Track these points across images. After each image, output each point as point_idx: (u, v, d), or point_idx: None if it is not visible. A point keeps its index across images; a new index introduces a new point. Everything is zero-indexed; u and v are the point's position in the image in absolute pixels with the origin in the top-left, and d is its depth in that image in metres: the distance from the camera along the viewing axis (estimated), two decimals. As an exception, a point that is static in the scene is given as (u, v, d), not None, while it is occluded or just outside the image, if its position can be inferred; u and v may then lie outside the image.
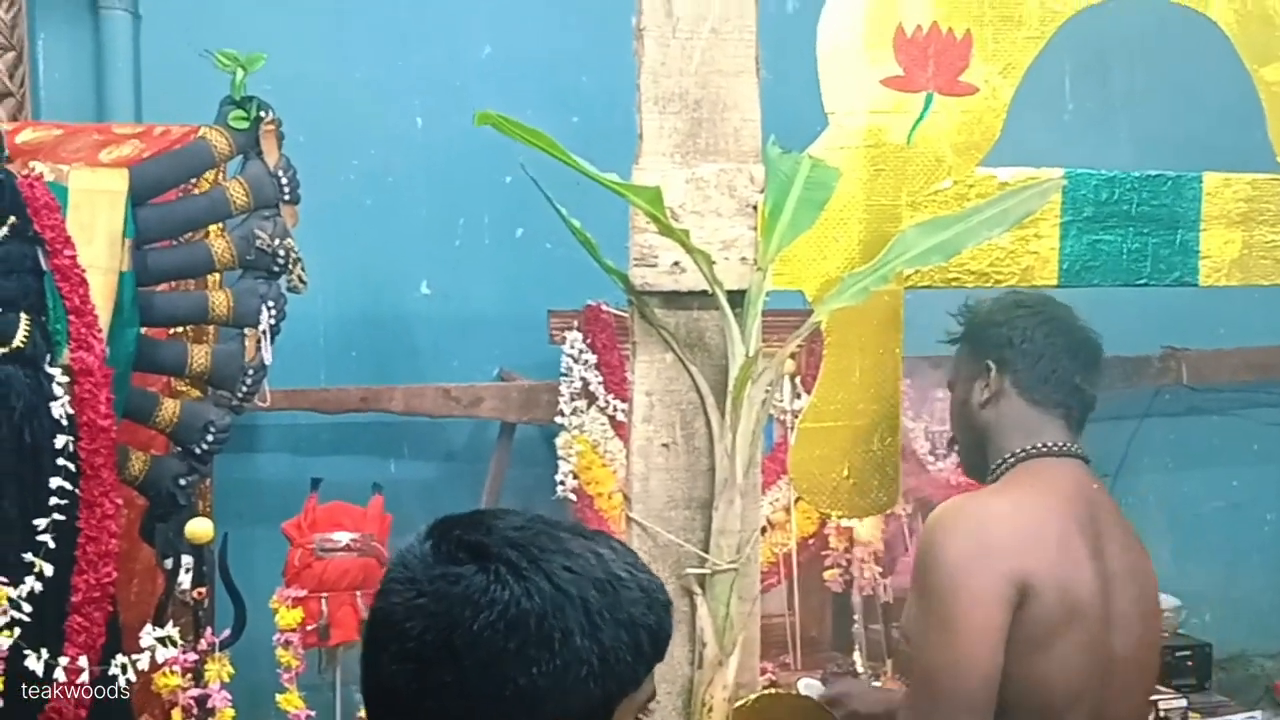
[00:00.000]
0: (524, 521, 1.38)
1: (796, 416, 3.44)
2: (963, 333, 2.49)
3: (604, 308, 3.55)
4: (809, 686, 3.21)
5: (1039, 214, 2.36)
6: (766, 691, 2.34)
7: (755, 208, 2.21)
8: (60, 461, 2.58)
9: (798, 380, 3.72)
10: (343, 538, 2.92)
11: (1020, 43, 2.33)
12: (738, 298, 2.17)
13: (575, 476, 3.53)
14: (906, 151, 2.32)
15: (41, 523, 2.56)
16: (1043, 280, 2.41)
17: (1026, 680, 2.24)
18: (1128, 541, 2.40)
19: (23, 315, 2.59)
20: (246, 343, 2.94)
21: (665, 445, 2.28)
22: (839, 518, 2.78)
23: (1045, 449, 2.39)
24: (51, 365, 2.61)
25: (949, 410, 2.54)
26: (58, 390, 2.60)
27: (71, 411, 2.61)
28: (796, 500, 3.68)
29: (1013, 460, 2.38)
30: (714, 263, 2.14)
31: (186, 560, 2.80)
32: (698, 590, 2.24)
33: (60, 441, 2.58)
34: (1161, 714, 3.61)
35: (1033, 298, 2.43)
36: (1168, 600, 3.94)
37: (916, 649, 2.29)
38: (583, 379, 3.55)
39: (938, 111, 2.31)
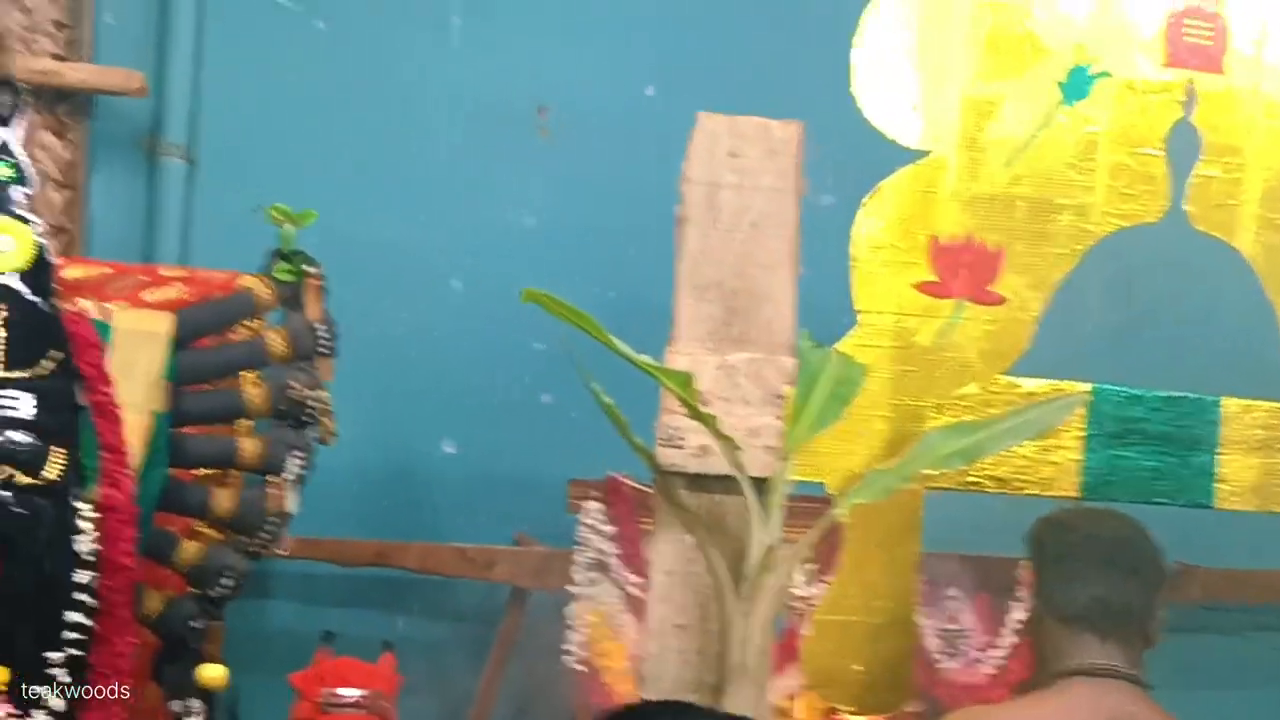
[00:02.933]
0: (677, 710, 1.39)
1: (808, 603, 3.43)
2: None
3: (625, 480, 3.57)
4: None
5: (1063, 425, 2.40)
6: None
7: (783, 398, 2.26)
8: (80, 596, 2.58)
9: (812, 568, 3.71)
10: (351, 694, 2.91)
11: (1051, 258, 2.40)
12: (760, 485, 2.21)
13: (585, 647, 3.51)
14: (934, 355, 2.37)
15: (55, 656, 2.56)
16: (1062, 491, 2.44)
17: None
18: None
19: (57, 449, 2.62)
20: (271, 490, 2.96)
21: (680, 626, 2.29)
22: (849, 714, 2.77)
23: (1078, 669, 2.37)
24: (79, 500, 2.64)
25: None
26: (84, 525, 2.62)
27: (97, 547, 2.62)
28: (805, 686, 3.65)
29: (1046, 679, 2.38)
30: (739, 449, 2.18)
31: (195, 705, 2.79)
32: (703, 777, 2.23)
33: (82, 576, 2.59)
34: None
35: (1076, 514, 2.43)
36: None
37: None
38: (599, 550, 3.55)
39: (967, 318, 2.37)
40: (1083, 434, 2.42)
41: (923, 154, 2.49)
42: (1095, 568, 2.38)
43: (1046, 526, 2.41)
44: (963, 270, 2.36)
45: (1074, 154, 2.46)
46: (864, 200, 2.42)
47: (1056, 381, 2.42)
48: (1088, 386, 2.42)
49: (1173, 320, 4.02)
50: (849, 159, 2.66)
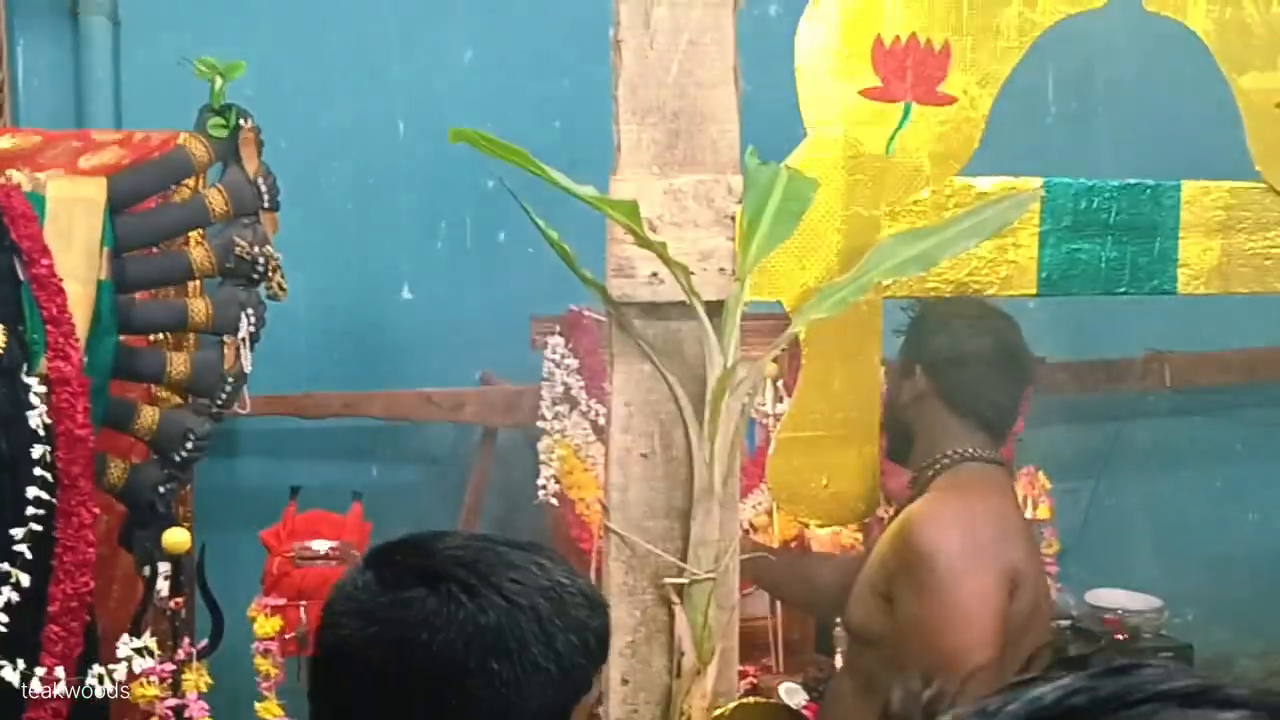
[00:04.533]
0: (463, 540, 1.41)
1: (779, 420, 3.44)
2: (906, 331, 2.54)
3: (586, 313, 3.54)
4: (790, 692, 3.22)
5: (1018, 223, 2.37)
6: (744, 700, 2.34)
7: (733, 219, 2.21)
8: (37, 471, 2.57)
9: (780, 384, 3.71)
10: (321, 546, 2.91)
11: (999, 53, 2.34)
12: (716, 308, 2.18)
13: (557, 481, 3.52)
14: (885, 162, 2.32)
15: (18, 533, 2.55)
16: (1021, 289, 2.42)
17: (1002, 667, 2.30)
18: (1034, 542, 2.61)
19: (0, 326, 2.58)
20: (226, 350, 2.92)
21: (644, 455, 2.28)
22: (818, 527, 2.79)
23: (974, 455, 2.49)
24: (28, 375, 2.60)
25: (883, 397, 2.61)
26: (35, 400, 2.59)
27: (49, 421, 2.59)
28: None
29: (946, 462, 2.48)
30: (692, 274, 2.14)
31: (164, 569, 2.79)
32: (676, 599, 2.25)
33: (37, 451, 2.57)
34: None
35: (972, 307, 2.48)
36: (1150, 601, 3.96)
37: (915, 645, 2.33)
38: (564, 384, 3.54)
39: (916, 122, 2.32)
40: (1038, 229, 2.39)
41: (862, -45, 2.41)
42: (993, 366, 2.49)
43: (939, 316, 2.50)
44: (909, 72, 2.29)
45: (1018, -57, 2.38)
46: (805, 8, 2.34)
47: (1010, 179, 2.38)
48: (1040, 181, 2.38)
49: (1129, 106, 3.98)
50: (789, -35, 2.58)
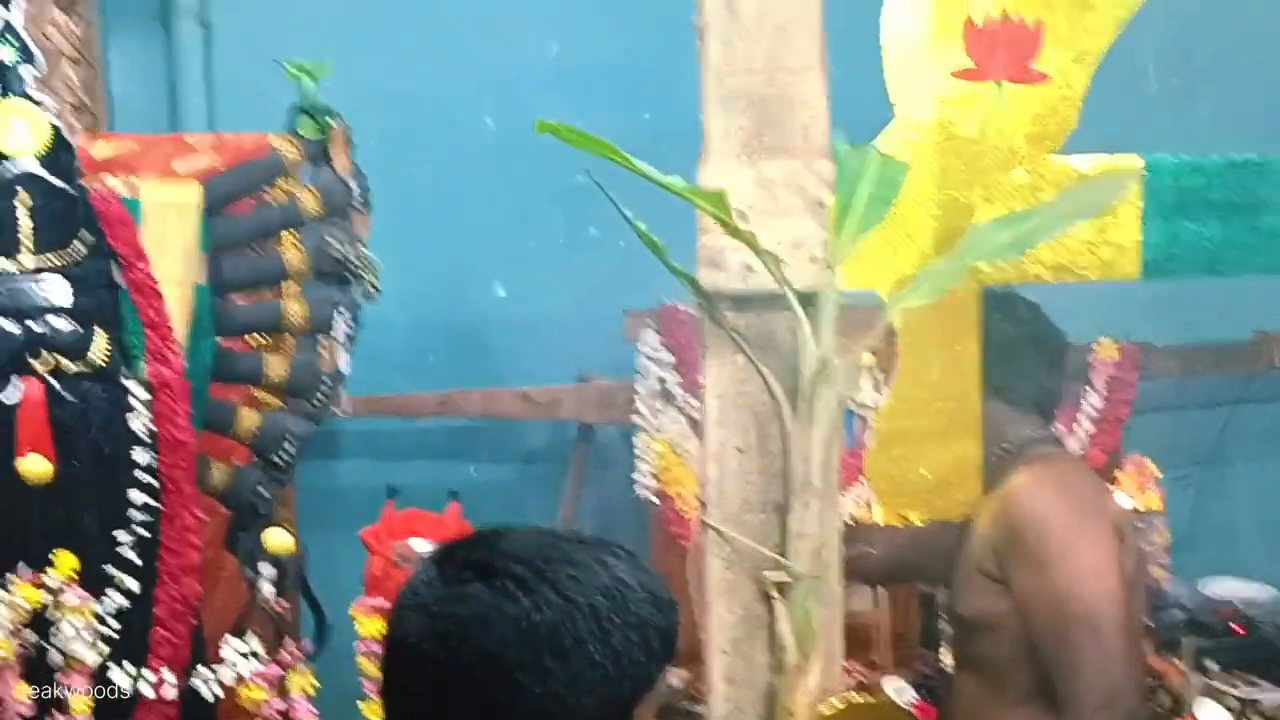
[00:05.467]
0: (526, 536, 1.40)
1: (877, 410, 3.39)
2: None
3: (680, 307, 3.52)
4: (898, 690, 3.17)
5: (1118, 204, 2.30)
6: (850, 698, 2.31)
7: (824, 206, 2.17)
8: (140, 475, 2.60)
9: (878, 374, 3.66)
10: (420, 545, 2.92)
11: (1093, 28, 2.28)
12: (809, 298, 2.14)
13: (655, 477, 3.50)
14: (978, 144, 2.27)
15: (123, 537, 2.59)
16: (1123, 272, 2.36)
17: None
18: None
19: (99, 331, 2.61)
20: (322, 351, 2.94)
21: (739, 449, 2.25)
22: (920, 520, 2.75)
23: (1039, 438, 2.53)
24: (128, 379, 2.64)
25: None
26: (135, 404, 2.62)
27: (151, 426, 2.63)
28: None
29: (1010, 448, 2.50)
30: (783, 263, 2.11)
31: (268, 571, 2.81)
32: (776, 595, 2.21)
33: (140, 456, 2.60)
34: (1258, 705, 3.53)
35: (1002, 300, 2.47)
36: (1268, 591, 3.84)
37: (1044, 615, 2.34)
38: (660, 379, 3.52)
39: (1009, 102, 2.26)
40: (1140, 210, 2.32)
41: (952, -64, 2.36)
42: (1058, 356, 2.58)
43: (1033, 312, 2.53)
44: (1001, 51, 2.24)
45: (1113, -84, 2.32)
46: (893, -11, 2.29)
47: (1109, 158, 2.32)
48: (1140, 160, 2.31)
49: (1232, 79, 3.87)
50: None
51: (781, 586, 2.21)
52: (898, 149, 2.23)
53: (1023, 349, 2.49)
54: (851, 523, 2.92)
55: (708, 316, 2.21)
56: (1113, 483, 3.50)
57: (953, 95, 2.25)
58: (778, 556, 2.22)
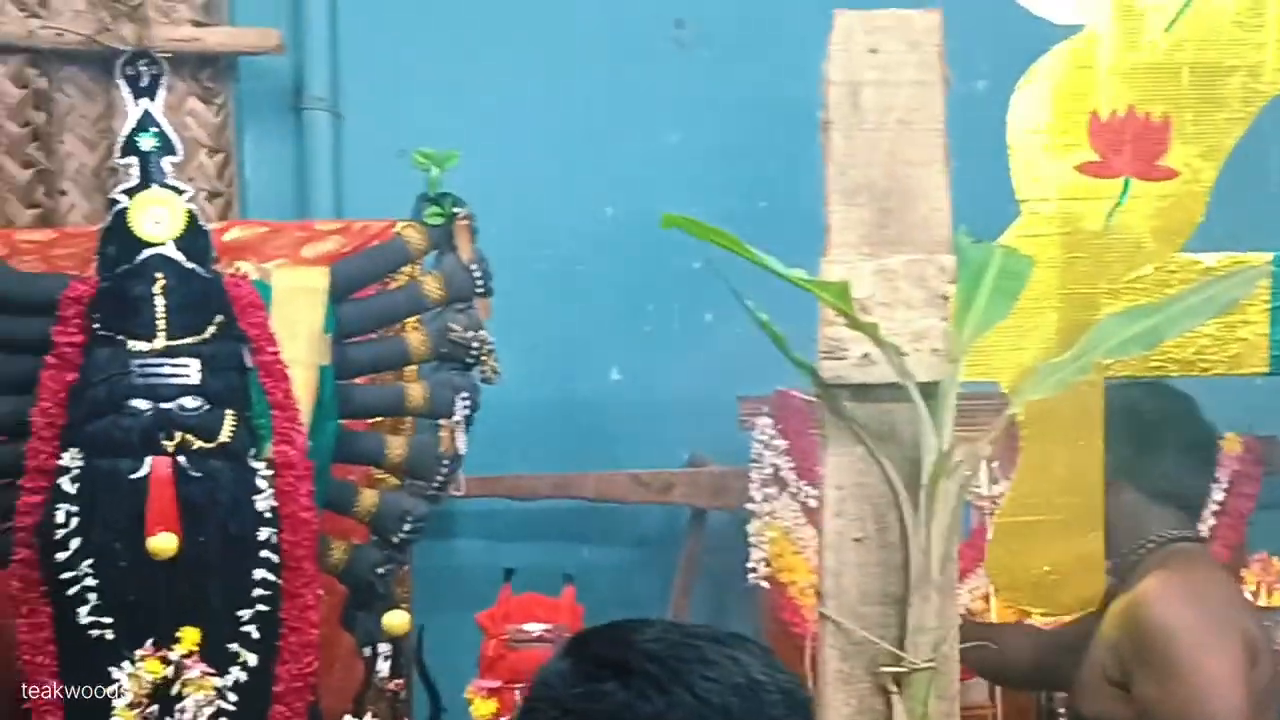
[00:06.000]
0: (660, 632, 1.39)
1: (994, 503, 3.36)
2: None
3: (795, 393, 3.52)
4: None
5: (1247, 299, 2.28)
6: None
7: (946, 299, 2.18)
8: (264, 553, 2.65)
9: (994, 465, 3.63)
10: (536, 629, 2.93)
11: (1222, 124, 2.27)
12: (930, 389, 2.14)
13: (768, 564, 3.49)
14: (1103, 239, 2.27)
15: (245, 613, 2.63)
16: (1251, 368, 2.33)
17: None
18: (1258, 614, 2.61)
19: (228, 412, 2.68)
20: (441, 433, 2.98)
21: (857, 540, 2.24)
22: (1040, 616, 2.71)
23: (1179, 536, 2.48)
24: (255, 459, 2.69)
25: None
26: (261, 484, 2.67)
27: (275, 504, 2.68)
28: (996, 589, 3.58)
29: (1152, 546, 2.47)
30: (905, 355, 2.11)
31: (384, 650, 2.84)
32: (894, 688, 2.19)
33: (264, 534, 2.65)
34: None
35: (1146, 388, 2.42)
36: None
37: None
38: (774, 465, 3.52)
39: (1136, 196, 2.25)
40: (1269, 306, 2.29)
41: (1076, 28, 2.37)
42: (1178, 448, 2.54)
43: (1124, 402, 2.46)
44: (1127, 146, 2.23)
45: (1240, 11, 2.31)
46: (1018, 84, 2.30)
47: (1236, 254, 2.30)
48: (1269, 256, 2.29)
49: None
50: (1000, 41, 2.55)
51: (899, 679, 2.19)
52: (1022, 243, 2.23)
53: (1169, 441, 2.47)
54: (980, 620, 2.88)
55: (828, 407, 2.21)
56: (1238, 580, 3.43)
57: (1077, 189, 2.25)
58: (895, 650, 2.20)
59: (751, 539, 3.49)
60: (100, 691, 2.58)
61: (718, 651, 1.37)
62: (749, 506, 3.50)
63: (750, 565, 3.48)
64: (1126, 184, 2.25)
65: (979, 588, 3.66)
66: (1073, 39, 2.31)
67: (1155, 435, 2.43)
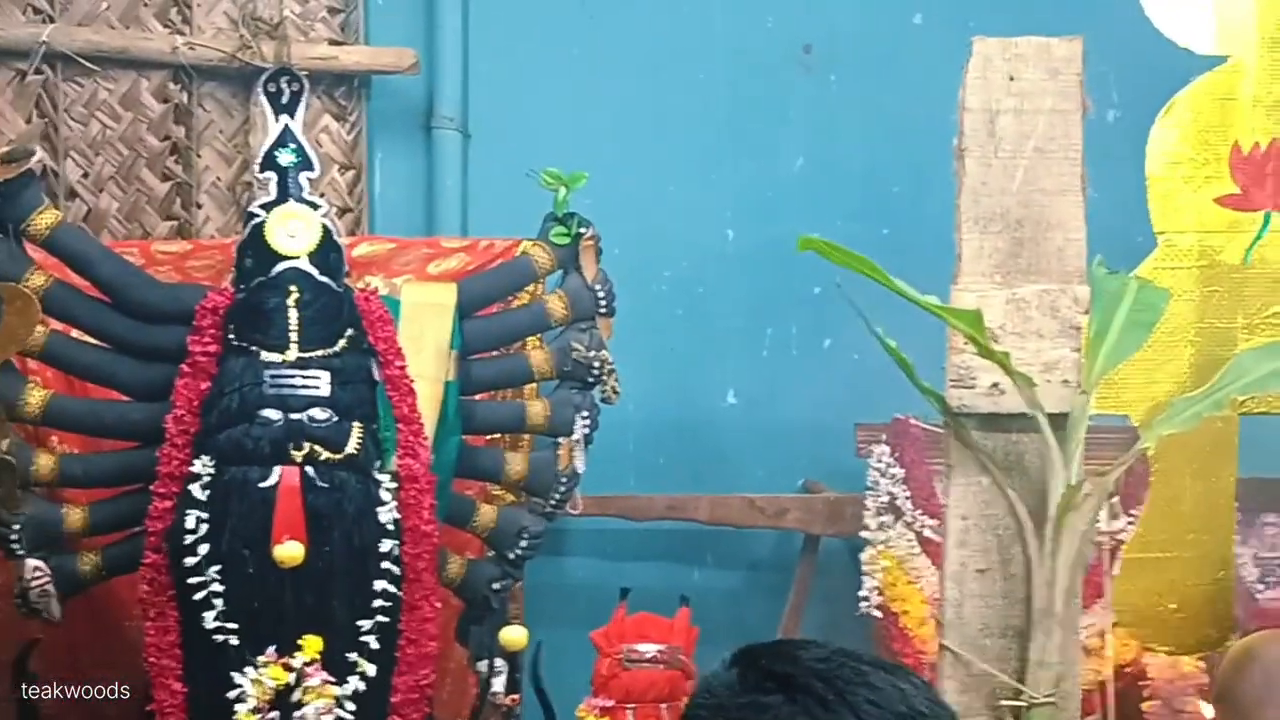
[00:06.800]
0: (828, 653, 1.39)
1: (1114, 538, 3.30)
2: None
3: (913, 421, 3.49)
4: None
5: (1387, 337, 2.23)
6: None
7: (1079, 329, 2.15)
8: (386, 565, 2.67)
9: (1115, 500, 3.57)
10: (649, 649, 2.93)
11: (1367, 157, 2.23)
12: (1059, 420, 2.12)
13: (880, 593, 3.46)
14: (1242, 273, 2.23)
15: (365, 624, 2.66)
16: (1391, 407, 2.27)
17: None
18: None
19: (355, 424, 2.71)
20: (560, 451, 3.01)
21: (980, 571, 2.22)
22: (1166, 653, 2.66)
23: None
24: (380, 472, 2.72)
25: None
26: (385, 496, 2.70)
27: (398, 516, 2.71)
28: (1114, 624, 3.52)
29: None
30: (1035, 385, 2.09)
31: (500, 665, 2.86)
32: (1014, 723, 2.17)
33: (386, 545, 2.68)
34: None
35: None
36: None
37: None
38: (889, 493, 3.49)
39: (1276, 230, 2.22)
40: None
41: (1218, 59, 2.33)
42: None
43: None
44: (1269, 179, 2.20)
45: (1384, 43, 2.27)
46: (1158, 115, 2.28)
47: (1382, 291, 2.25)
48: None
49: None
50: (1135, 71, 2.53)
51: (1019, 714, 2.17)
52: (1158, 275, 2.20)
53: None
54: None
55: (955, 436, 2.20)
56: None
57: (1216, 222, 2.22)
58: (1016, 684, 2.18)
59: (865, 567, 3.46)
60: (223, 696, 2.62)
61: (883, 679, 1.37)
62: (863, 534, 3.48)
63: (863, 593, 3.45)
64: (1267, 218, 2.21)
65: (1095, 624, 3.60)
66: (1215, 69, 2.28)
67: None
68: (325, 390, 2.70)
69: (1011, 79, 2.17)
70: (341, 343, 2.74)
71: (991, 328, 2.13)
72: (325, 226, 2.79)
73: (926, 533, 3.46)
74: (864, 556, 3.48)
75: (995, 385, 2.16)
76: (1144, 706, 3.58)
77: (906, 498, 3.50)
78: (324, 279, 2.76)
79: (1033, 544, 2.16)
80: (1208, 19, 2.24)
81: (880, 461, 3.50)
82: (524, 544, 3.00)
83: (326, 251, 2.77)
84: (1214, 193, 2.20)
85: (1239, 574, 3.60)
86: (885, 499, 3.50)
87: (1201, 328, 2.23)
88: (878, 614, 3.47)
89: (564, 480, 3.02)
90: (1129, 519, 2.93)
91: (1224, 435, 2.25)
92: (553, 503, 3.03)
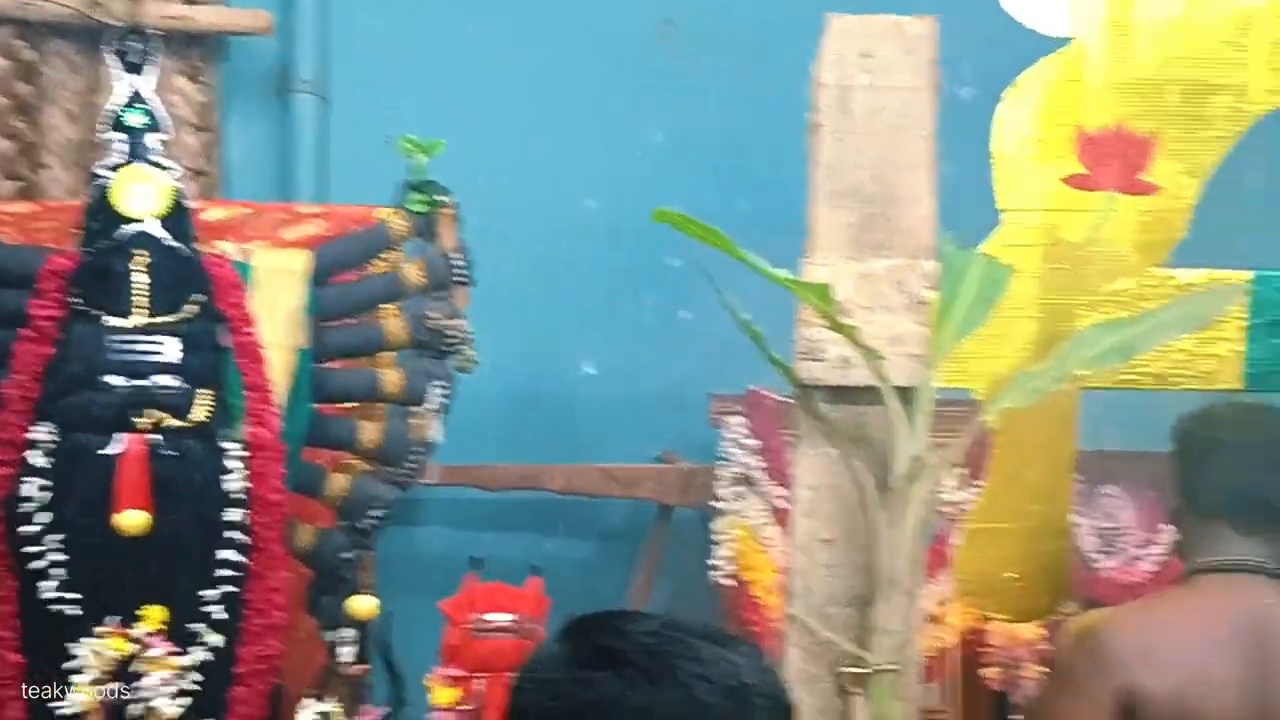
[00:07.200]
0: (658, 626, 1.40)
1: (959, 509, 3.37)
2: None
3: (767, 393, 3.53)
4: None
5: (1223, 316, 2.30)
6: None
7: (927, 304, 2.19)
8: (233, 534, 2.64)
9: (962, 472, 3.64)
10: (500, 619, 2.93)
11: (1206, 141, 2.29)
12: (905, 394, 2.15)
13: (732, 562, 3.49)
14: (1085, 251, 2.29)
15: (211, 594, 2.62)
16: (1224, 384, 2.35)
17: None
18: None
19: (203, 391, 2.67)
20: (414, 420, 2.98)
21: (826, 540, 2.26)
22: (1004, 621, 2.73)
23: (1217, 564, 2.31)
24: (228, 440, 2.69)
25: None
26: (233, 464, 2.67)
27: (246, 485, 2.67)
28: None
29: (1187, 575, 2.33)
30: (882, 359, 2.12)
31: (348, 634, 2.84)
32: (856, 689, 2.21)
33: (234, 515, 2.65)
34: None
35: (1220, 408, 2.37)
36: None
37: None
38: (743, 464, 3.52)
39: (1119, 210, 2.27)
40: (1244, 323, 2.32)
41: (1066, 41, 2.38)
42: (1235, 461, 2.31)
43: (1190, 420, 2.34)
44: (1113, 160, 2.26)
45: (1228, 31, 2.33)
46: (1004, 93, 2.32)
47: (1215, 270, 2.32)
48: (1248, 274, 2.31)
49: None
50: (988, 50, 2.57)
51: (861, 680, 2.21)
52: (1003, 252, 2.25)
53: (1224, 450, 2.31)
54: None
55: (803, 407, 2.22)
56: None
57: (1061, 201, 2.27)
58: (860, 651, 2.21)
59: (717, 537, 3.50)
60: (62, 667, 2.56)
61: (713, 651, 1.37)
62: (716, 504, 3.51)
63: (714, 563, 3.48)
64: (1110, 198, 2.27)
65: (940, 592, 3.68)
66: (1062, 51, 2.33)
67: (1203, 442, 2.27)
68: (173, 356, 2.65)
69: (865, 56, 2.20)
70: (190, 308, 2.69)
71: (841, 301, 2.15)
72: (175, 190, 2.73)
73: (779, 503, 3.49)
74: (717, 526, 3.51)
75: (844, 358, 2.19)
76: (985, 673, 3.67)
77: (760, 468, 3.53)
78: (173, 243, 2.71)
79: (878, 514, 2.19)
80: (1056, 2, 2.28)
81: (735, 432, 3.53)
82: (375, 513, 2.97)
83: (176, 215, 2.72)
84: (1059, 172, 2.25)
85: (1079, 544, 3.72)
86: (739, 469, 3.53)
87: (1044, 304, 2.28)
88: (729, 583, 3.50)
89: (418, 449, 2.99)
90: (977, 490, 2.99)
91: (1065, 409, 2.31)
92: (406, 472, 3.00)
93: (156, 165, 2.74)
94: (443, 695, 2.90)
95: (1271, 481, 2.32)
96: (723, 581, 3.49)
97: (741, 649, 1.40)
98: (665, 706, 1.32)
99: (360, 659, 2.87)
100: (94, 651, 2.57)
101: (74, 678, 2.56)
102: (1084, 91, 2.23)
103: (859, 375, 2.18)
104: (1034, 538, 2.35)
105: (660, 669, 1.33)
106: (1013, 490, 2.34)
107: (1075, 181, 2.26)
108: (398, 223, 2.97)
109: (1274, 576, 2.31)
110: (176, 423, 2.63)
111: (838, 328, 2.11)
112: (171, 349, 2.65)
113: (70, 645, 2.57)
